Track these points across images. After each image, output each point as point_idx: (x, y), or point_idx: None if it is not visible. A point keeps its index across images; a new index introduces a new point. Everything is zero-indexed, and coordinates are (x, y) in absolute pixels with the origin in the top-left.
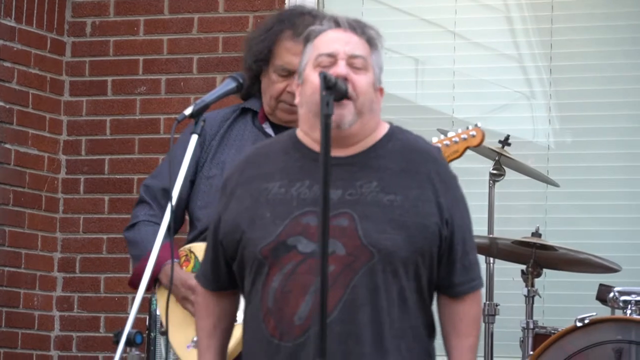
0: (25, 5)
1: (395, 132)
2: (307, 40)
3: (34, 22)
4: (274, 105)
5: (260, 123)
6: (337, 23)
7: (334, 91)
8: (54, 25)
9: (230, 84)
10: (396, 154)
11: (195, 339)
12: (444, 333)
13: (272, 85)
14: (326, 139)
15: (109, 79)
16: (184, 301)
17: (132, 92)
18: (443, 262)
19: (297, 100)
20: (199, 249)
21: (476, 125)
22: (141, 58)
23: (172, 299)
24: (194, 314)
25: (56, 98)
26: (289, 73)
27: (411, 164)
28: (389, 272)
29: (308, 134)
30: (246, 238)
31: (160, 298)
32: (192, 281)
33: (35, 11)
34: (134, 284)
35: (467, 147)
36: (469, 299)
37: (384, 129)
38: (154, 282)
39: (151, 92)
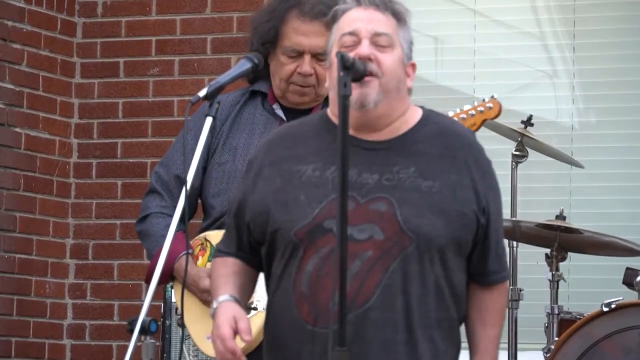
0: None
1: (430, 116)
2: (333, 21)
3: (44, 2)
4: (285, 87)
5: (270, 105)
6: (359, 1)
7: (352, 71)
8: (64, 6)
9: (245, 65)
10: (433, 139)
11: None
12: (468, 321)
13: (281, 67)
14: (344, 121)
15: (121, 60)
16: (206, 303)
17: (144, 73)
18: (477, 249)
19: (327, 84)
20: (214, 237)
21: (492, 97)
22: (154, 39)
23: (188, 292)
24: None
25: (67, 80)
26: (298, 54)
27: (448, 148)
28: (427, 259)
29: (335, 120)
30: (279, 220)
31: (177, 289)
32: (205, 282)
33: None
34: (150, 280)
35: (485, 120)
36: (498, 288)
37: (417, 113)
38: (171, 277)
39: (164, 73)
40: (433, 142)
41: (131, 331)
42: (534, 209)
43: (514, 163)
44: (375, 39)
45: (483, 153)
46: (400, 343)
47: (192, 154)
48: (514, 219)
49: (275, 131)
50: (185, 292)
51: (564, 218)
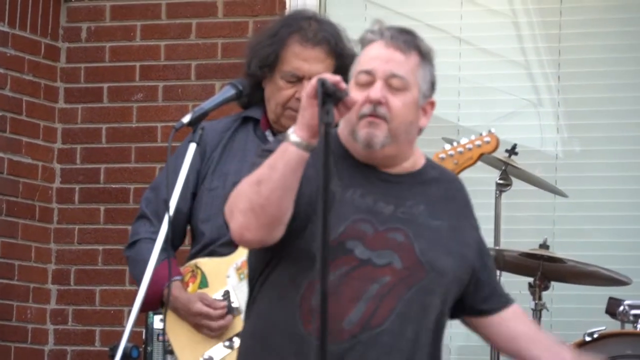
0: (18, 10)
1: (431, 163)
2: (361, 47)
3: (28, 27)
4: (280, 112)
5: (262, 131)
6: (382, 35)
7: (334, 98)
8: (48, 31)
9: (229, 91)
10: (438, 182)
11: (206, 355)
12: (514, 349)
13: (278, 91)
14: (326, 148)
15: (105, 85)
16: (198, 327)
17: (128, 99)
18: (484, 284)
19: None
20: (205, 264)
21: (490, 131)
22: (138, 64)
23: (177, 318)
24: (213, 331)
25: (50, 105)
26: (297, 79)
27: (451, 193)
28: (436, 294)
29: (348, 147)
30: (309, 227)
31: (169, 318)
32: (196, 306)
33: (29, 16)
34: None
35: (482, 154)
36: (515, 308)
37: (422, 157)
38: (160, 303)
39: (148, 99)
40: (438, 186)
41: (113, 357)
42: (517, 237)
43: (497, 192)
44: (390, 81)
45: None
46: None
47: (181, 180)
48: (497, 247)
49: None
50: (175, 318)
51: (547, 247)
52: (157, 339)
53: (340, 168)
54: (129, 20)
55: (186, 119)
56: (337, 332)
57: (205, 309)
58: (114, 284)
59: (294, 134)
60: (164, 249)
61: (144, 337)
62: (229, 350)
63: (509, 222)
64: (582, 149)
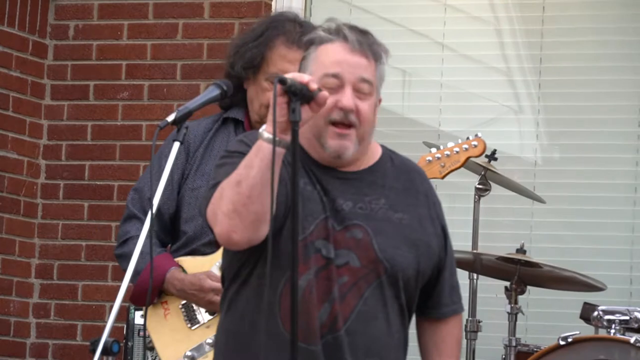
0: (7, 7)
1: (388, 153)
2: (310, 45)
3: (16, 23)
4: (265, 113)
5: (245, 132)
6: (345, 37)
7: (301, 97)
8: (36, 28)
9: (214, 91)
10: (397, 174)
11: (188, 353)
12: (425, 353)
13: (262, 93)
14: (294, 147)
15: (91, 83)
16: (210, 305)
17: (114, 97)
18: (433, 283)
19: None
20: (187, 262)
21: (477, 135)
22: (124, 63)
23: (161, 312)
24: None
25: (37, 102)
26: None
27: (411, 183)
28: (396, 287)
29: (306, 148)
30: (286, 227)
31: (151, 317)
32: (208, 282)
33: (17, 13)
34: (136, 299)
35: (469, 158)
36: (454, 320)
37: (378, 148)
38: (159, 291)
39: (133, 97)
40: (397, 177)
41: (93, 351)
42: (495, 242)
43: (476, 196)
44: (359, 86)
45: (434, 189)
46: None
47: (164, 178)
48: (475, 251)
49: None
50: (157, 316)
51: (524, 252)
52: (138, 334)
53: (304, 167)
54: (116, 19)
55: (170, 118)
56: (314, 333)
57: (217, 284)
58: (97, 280)
59: (266, 132)
60: (154, 244)
61: (125, 332)
62: (211, 349)
63: (487, 226)
64: (560, 156)
